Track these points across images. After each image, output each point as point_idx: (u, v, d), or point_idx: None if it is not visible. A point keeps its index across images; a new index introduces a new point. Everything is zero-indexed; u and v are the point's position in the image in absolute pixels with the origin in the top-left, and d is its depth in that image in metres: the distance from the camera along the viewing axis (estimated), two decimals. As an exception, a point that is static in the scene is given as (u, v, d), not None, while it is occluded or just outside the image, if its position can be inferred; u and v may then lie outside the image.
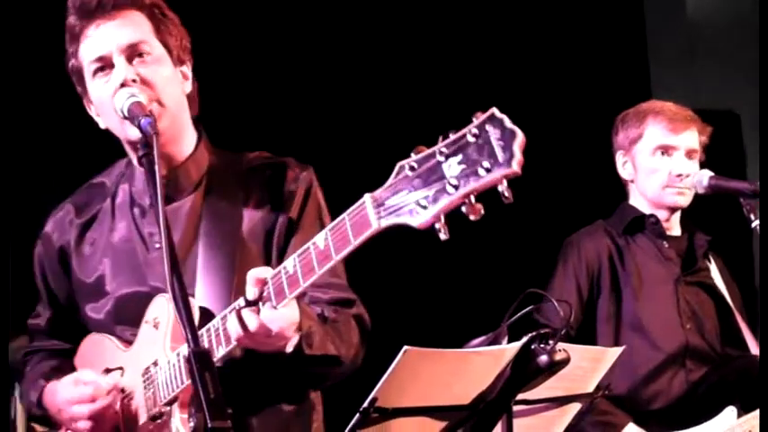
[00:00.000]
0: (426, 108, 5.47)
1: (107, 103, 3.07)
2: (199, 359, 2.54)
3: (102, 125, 3.20)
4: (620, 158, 4.52)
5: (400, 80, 5.60)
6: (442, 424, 3.11)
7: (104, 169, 3.42)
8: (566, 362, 3.12)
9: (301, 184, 3.21)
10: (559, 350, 3.11)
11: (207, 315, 3.02)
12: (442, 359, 3.00)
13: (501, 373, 3.10)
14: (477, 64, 5.72)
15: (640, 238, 4.46)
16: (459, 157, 2.31)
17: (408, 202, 2.37)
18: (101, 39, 3.09)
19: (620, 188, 4.58)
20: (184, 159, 3.20)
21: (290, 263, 2.69)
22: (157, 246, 3.19)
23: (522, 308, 3.26)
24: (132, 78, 3.05)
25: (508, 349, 3.10)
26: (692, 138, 4.41)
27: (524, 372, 3.11)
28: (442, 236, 2.35)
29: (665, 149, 4.40)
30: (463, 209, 2.31)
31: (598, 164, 4.62)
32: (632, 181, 4.51)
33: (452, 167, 2.31)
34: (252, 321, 2.77)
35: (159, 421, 3.05)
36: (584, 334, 4.28)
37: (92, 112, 3.23)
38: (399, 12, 5.64)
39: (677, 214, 4.49)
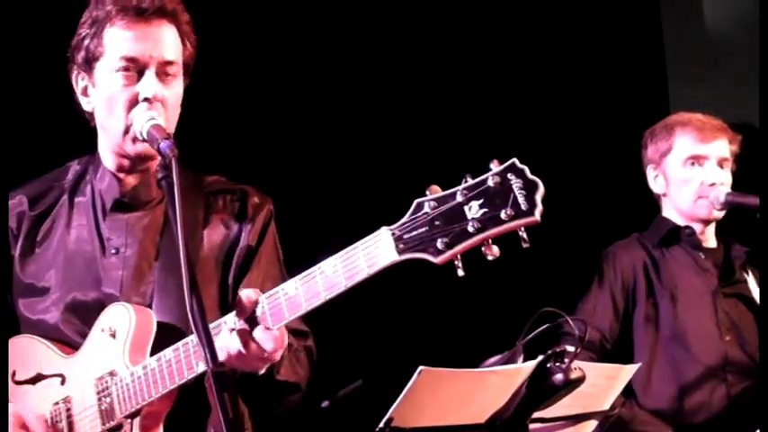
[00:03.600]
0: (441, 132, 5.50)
1: (115, 98, 3.09)
2: (218, 379, 2.57)
3: (88, 108, 3.21)
4: (650, 172, 4.49)
5: (398, 105, 5.59)
6: (459, 443, 3.13)
7: (58, 167, 3.38)
8: (581, 380, 3.13)
9: (261, 213, 3.26)
10: (575, 368, 3.12)
11: (167, 330, 3.05)
12: (458, 378, 3.02)
13: (517, 391, 3.12)
14: (493, 82, 5.71)
15: (676, 250, 4.43)
16: (481, 201, 2.50)
17: (428, 238, 2.54)
18: (141, 41, 3.10)
19: (638, 205, 4.56)
20: (154, 172, 3.14)
21: (291, 285, 2.74)
22: (113, 251, 3.19)
23: (537, 327, 3.27)
24: (158, 98, 3.09)
25: (524, 368, 3.12)
26: (722, 146, 4.37)
27: (540, 390, 3.12)
28: (460, 272, 2.53)
29: (696, 159, 4.37)
30: (482, 249, 2.51)
31: (617, 181, 4.61)
32: (664, 194, 4.48)
33: (474, 210, 2.51)
34: (248, 342, 2.79)
35: None
36: (622, 347, 4.28)
37: (80, 90, 3.21)
38: (405, 35, 5.63)
39: (712, 226, 4.44)
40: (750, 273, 4.44)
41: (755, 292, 4.40)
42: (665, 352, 4.23)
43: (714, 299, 4.35)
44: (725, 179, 4.35)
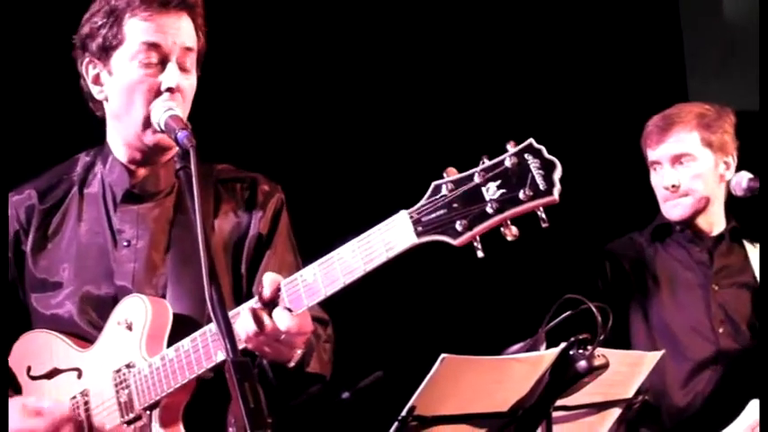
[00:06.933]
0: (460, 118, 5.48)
1: (135, 88, 3.09)
2: (238, 369, 2.54)
3: (100, 97, 3.20)
4: None
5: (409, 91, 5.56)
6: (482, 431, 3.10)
7: (66, 160, 3.39)
8: (604, 367, 3.11)
9: (271, 201, 3.25)
10: (598, 355, 3.10)
11: (182, 320, 3.06)
12: (482, 366, 2.99)
13: (540, 379, 3.10)
14: (511, 72, 5.70)
15: (671, 245, 4.41)
16: (499, 182, 2.51)
17: (447, 220, 2.55)
18: (163, 30, 3.10)
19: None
20: (164, 163, 3.22)
21: (309, 272, 2.75)
22: (125, 243, 3.19)
23: (559, 313, 3.25)
24: (179, 89, 3.10)
25: (547, 355, 3.10)
26: (673, 145, 4.32)
27: (563, 377, 3.10)
28: (480, 254, 2.54)
29: (653, 165, 4.37)
30: (501, 230, 2.52)
31: (637, 170, 4.57)
32: None
33: (491, 191, 2.52)
34: (264, 320, 2.79)
35: (136, 425, 3.03)
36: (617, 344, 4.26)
37: (92, 79, 3.20)
38: (418, 17, 5.60)
39: (715, 214, 4.39)
40: (750, 248, 4.39)
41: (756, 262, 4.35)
42: (656, 348, 4.19)
43: (706, 292, 4.32)
44: (680, 177, 4.30)
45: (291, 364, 2.93)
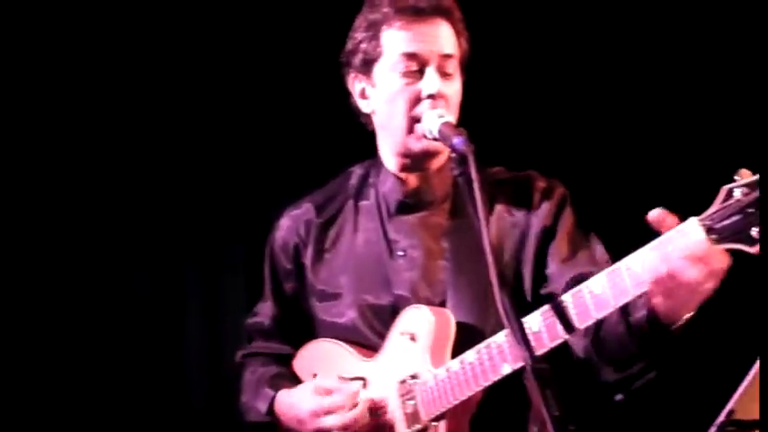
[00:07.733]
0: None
1: (396, 97, 3.10)
2: (539, 376, 2.50)
3: (367, 110, 3.22)
4: None
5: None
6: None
7: (340, 173, 3.43)
8: None
9: (553, 194, 3.18)
10: None
11: (464, 330, 3.03)
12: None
13: None
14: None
15: None
16: None
17: (743, 227, 2.41)
18: (420, 39, 3.11)
19: None
20: (436, 170, 3.21)
21: (597, 283, 2.68)
22: (400, 253, 3.19)
23: None
24: (441, 95, 3.08)
25: None
26: None
27: None
28: None
29: None
30: None
31: None
32: None
33: None
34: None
35: None
36: None
37: (358, 93, 3.23)
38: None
39: None
40: None
41: None
42: None
43: None
44: None
45: (686, 318, 2.70)
